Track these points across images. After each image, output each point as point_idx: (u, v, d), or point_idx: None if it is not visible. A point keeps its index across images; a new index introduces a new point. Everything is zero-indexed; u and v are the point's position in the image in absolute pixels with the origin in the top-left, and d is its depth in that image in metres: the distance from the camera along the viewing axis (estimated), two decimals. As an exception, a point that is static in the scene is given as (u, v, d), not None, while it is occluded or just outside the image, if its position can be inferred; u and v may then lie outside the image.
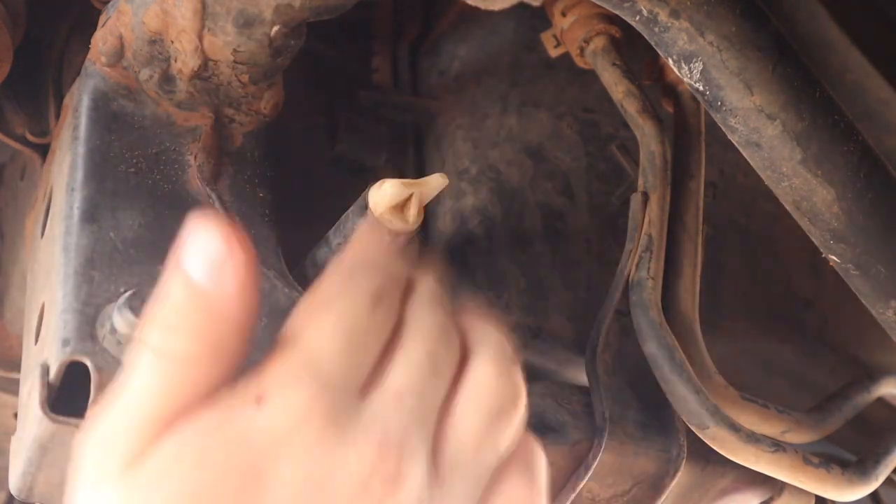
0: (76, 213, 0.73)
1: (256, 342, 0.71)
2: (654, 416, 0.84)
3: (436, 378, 0.61)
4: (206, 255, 0.57)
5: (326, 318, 0.59)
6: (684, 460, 0.82)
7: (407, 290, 0.65)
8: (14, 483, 0.69)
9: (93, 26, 0.80)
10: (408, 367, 0.60)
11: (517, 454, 0.63)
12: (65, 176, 0.76)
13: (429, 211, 0.94)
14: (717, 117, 0.71)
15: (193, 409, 0.56)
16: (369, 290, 0.61)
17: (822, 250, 0.74)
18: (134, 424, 0.55)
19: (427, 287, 0.66)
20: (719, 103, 0.70)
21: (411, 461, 0.57)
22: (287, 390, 0.57)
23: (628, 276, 0.83)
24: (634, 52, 0.90)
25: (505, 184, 0.93)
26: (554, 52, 0.93)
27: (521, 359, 0.66)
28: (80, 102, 0.78)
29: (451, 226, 0.92)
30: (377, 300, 0.61)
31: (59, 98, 0.88)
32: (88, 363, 0.65)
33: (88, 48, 0.79)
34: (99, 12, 0.81)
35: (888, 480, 0.95)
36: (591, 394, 0.83)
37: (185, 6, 0.74)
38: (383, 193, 0.77)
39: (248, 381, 0.58)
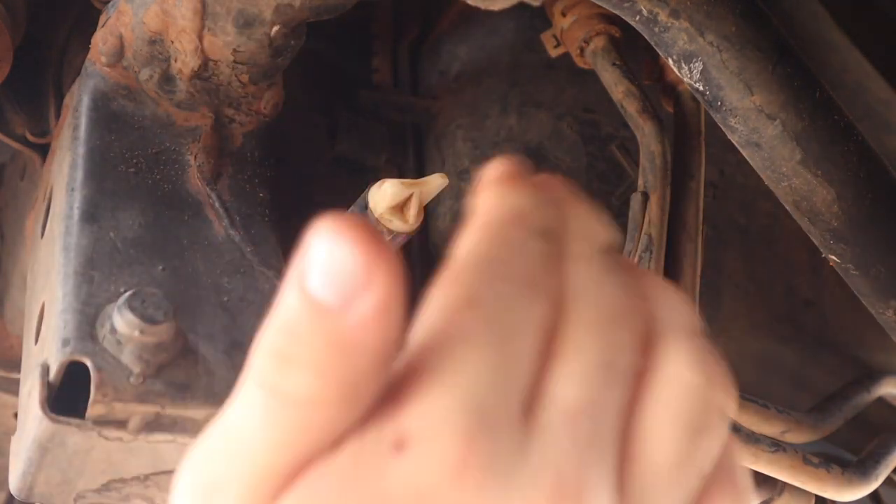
0: (76, 213, 0.73)
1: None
2: (654, 416, 0.84)
3: (616, 385, 0.45)
4: (340, 270, 0.43)
5: (475, 328, 0.44)
6: (684, 460, 0.82)
7: (564, 252, 0.47)
8: (14, 483, 0.69)
9: (93, 26, 0.80)
10: (579, 376, 0.45)
11: (721, 469, 0.48)
12: (65, 176, 0.76)
13: (429, 211, 0.94)
14: (717, 117, 0.71)
15: (318, 460, 0.43)
16: (523, 277, 0.45)
17: (822, 250, 0.74)
18: (246, 481, 0.43)
19: (590, 240, 0.48)
20: (719, 103, 0.70)
21: None
22: (434, 432, 0.42)
23: (628, 276, 0.83)
24: (634, 52, 0.90)
25: (505, 184, 0.93)
26: (554, 52, 0.93)
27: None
28: (80, 102, 0.78)
29: (451, 226, 0.92)
30: (534, 288, 0.45)
31: (59, 98, 0.88)
32: (88, 363, 0.65)
33: (88, 48, 0.79)
34: (99, 12, 0.81)
35: (888, 480, 0.95)
36: (591, 394, 0.83)
37: (185, 6, 0.74)
38: (383, 193, 0.77)
39: (380, 419, 0.44)
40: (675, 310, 0.48)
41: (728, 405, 0.47)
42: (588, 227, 0.48)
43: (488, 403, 0.43)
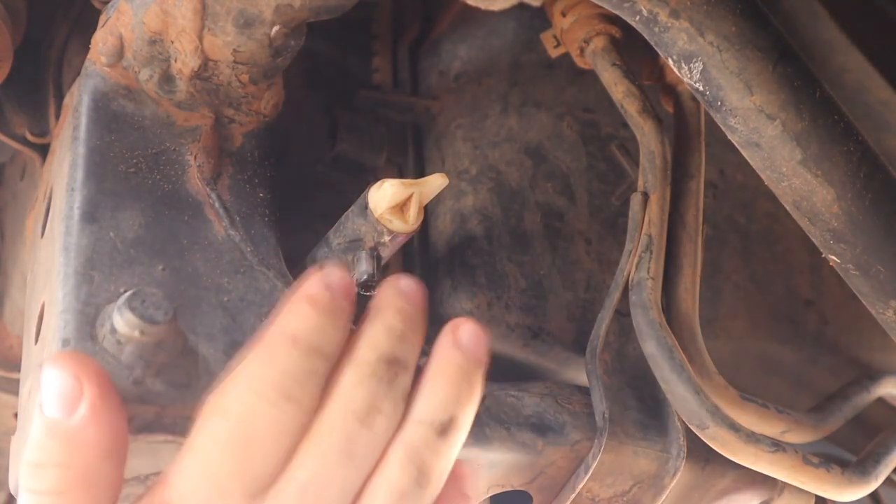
0: (76, 212, 0.73)
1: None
2: (654, 416, 0.84)
3: (347, 466, 0.60)
4: (57, 391, 0.58)
5: (219, 421, 0.59)
6: (684, 460, 0.82)
7: (341, 362, 0.62)
8: (14, 483, 0.69)
9: (93, 26, 0.80)
10: (313, 458, 0.59)
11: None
12: (65, 176, 0.76)
13: (429, 211, 0.94)
14: (717, 117, 0.71)
15: None
16: (274, 385, 0.59)
17: (822, 250, 0.74)
18: None
19: (372, 351, 0.63)
20: (719, 103, 0.70)
21: None
22: (186, 494, 0.58)
23: (628, 276, 0.83)
24: (634, 52, 0.90)
25: (505, 184, 0.93)
26: (554, 53, 0.93)
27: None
28: (80, 102, 0.78)
29: (451, 226, 0.92)
30: (285, 393, 0.59)
31: (59, 98, 0.88)
32: (88, 363, 0.65)
33: (88, 48, 0.79)
34: (99, 12, 0.81)
35: (888, 480, 0.95)
36: (591, 394, 0.83)
37: (185, 6, 0.74)
38: (383, 193, 0.77)
39: (151, 486, 0.60)
40: (429, 400, 0.62)
41: (430, 485, 0.61)
42: (383, 340, 0.62)
43: (227, 486, 0.57)
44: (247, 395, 0.59)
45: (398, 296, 0.65)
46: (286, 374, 0.60)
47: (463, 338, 0.65)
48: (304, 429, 0.60)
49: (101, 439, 0.58)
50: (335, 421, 0.60)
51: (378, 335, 0.63)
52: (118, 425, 0.60)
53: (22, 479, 0.59)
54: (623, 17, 0.70)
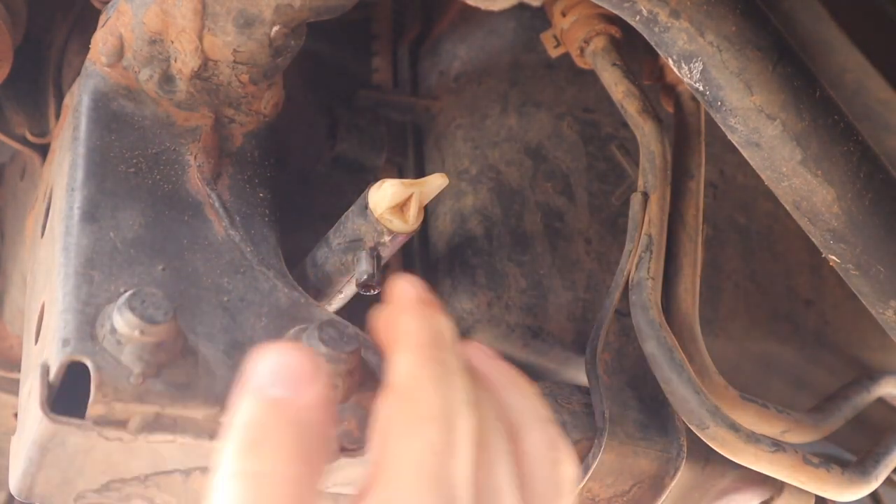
0: (76, 212, 0.73)
1: (257, 343, 0.71)
2: (654, 416, 0.84)
3: (510, 466, 0.60)
4: (290, 371, 0.56)
5: (433, 434, 0.56)
6: (684, 460, 0.82)
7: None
8: (14, 483, 0.69)
9: (93, 26, 0.80)
10: (497, 467, 0.59)
11: None
12: (65, 176, 0.76)
13: (429, 211, 0.94)
14: (717, 117, 0.71)
15: None
16: (461, 393, 0.58)
17: (822, 250, 0.74)
18: None
19: (460, 359, 0.62)
20: (719, 103, 0.70)
21: None
22: None
23: (628, 276, 0.83)
24: (634, 52, 0.90)
25: (505, 184, 0.93)
26: (554, 53, 0.93)
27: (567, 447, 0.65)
28: (80, 102, 0.78)
29: (451, 226, 0.92)
30: (467, 403, 0.58)
31: (59, 98, 0.88)
32: (88, 363, 0.65)
33: (88, 48, 0.79)
34: (99, 12, 0.81)
35: (888, 480, 0.95)
36: (591, 394, 0.83)
37: (185, 6, 0.74)
38: (383, 193, 0.77)
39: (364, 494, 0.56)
40: (529, 401, 0.64)
41: (576, 474, 0.64)
42: (452, 340, 0.63)
43: (454, 494, 0.55)
44: (443, 399, 0.58)
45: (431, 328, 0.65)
46: (456, 376, 0.59)
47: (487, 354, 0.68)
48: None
49: (324, 419, 0.55)
50: (488, 426, 0.60)
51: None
52: (334, 413, 0.59)
53: (227, 464, 0.54)
54: (623, 17, 0.70)
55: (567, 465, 0.63)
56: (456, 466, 0.56)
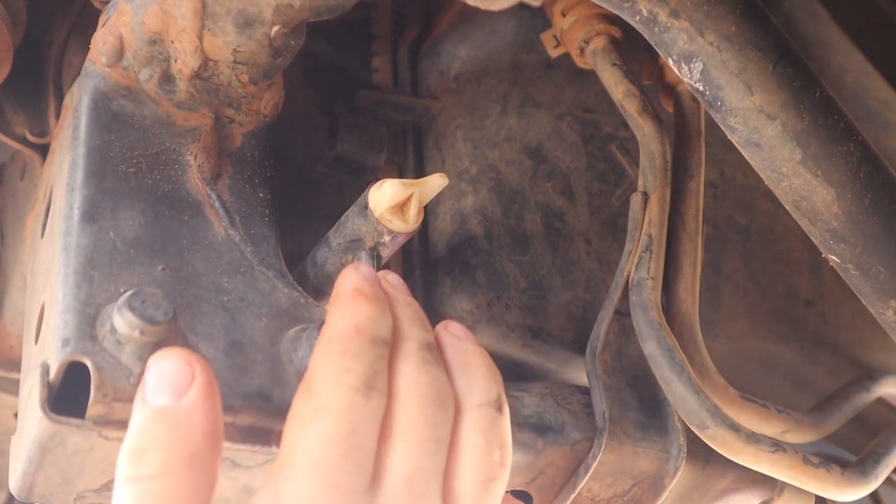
0: (76, 213, 0.73)
1: (257, 343, 0.71)
2: (653, 416, 0.84)
3: (437, 452, 0.63)
4: (168, 377, 0.60)
5: (322, 418, 0.61)
6: (684, 460, 0.82)
7: (395, 351, 0.66)
8: (14, 483, 0.69)
9: (93, 26, 0.80)
10: (410, 451, 0.62)
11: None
12: (65, 176, 0.76)
13: (429, 211, 0.94)
14: (717, 117, 0.71)
15: None
16: (361, 377, 0.62)
17: (822, 250, 0.74)
18: None
19: (413, 339, 0.66)
20: (719, 103, 0.70)
21: None
22: (301, 495, 0.58)
23: (628, 276, 0.83)
24: (634, 52, 0.90)
25: (505, 184, 0.93)
26: (554, 53, 0.93)
27: (507, 399, 0.69)
28: (80, 102, 0.78)
29: (451, 226, 0.92)
30: (370, 384, 0.62)
31: (59, 98, 0.88)
32: (88, 363, 0.65)
33: (88, 48, 0.79)
34: (99, 12, 0.81)
35: (888, 480, 0.95)
36: (591, 394, 0.83)
37: (185, 6, 0.74)
38: (383, 193, 0.77)
39: (256, 492, 0.60)
40: (475, 384, 0.66)
41: (507, 462, 0.66)
42: (414, 327, 0.67)
43: (341, 477, 0.59)
44: (341, 389, 0.61)
45: (397, 288, 0.71)
46: (368, 366, 0.63)
47: (458, 331, 0.70)
48: (385, 417, 0.62)
49: (207, 422, 0.59)
50: (415, 409, 0.63)
51: (407, 325, 0.67)
52: (219, 411, 0.61)
53: (121, 470, 0.59)
54: (623, 17, 0.70)
55: (495, 450, 0.65)
56: (350, 456, 0.60)
